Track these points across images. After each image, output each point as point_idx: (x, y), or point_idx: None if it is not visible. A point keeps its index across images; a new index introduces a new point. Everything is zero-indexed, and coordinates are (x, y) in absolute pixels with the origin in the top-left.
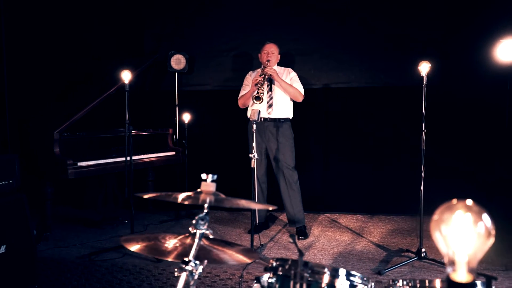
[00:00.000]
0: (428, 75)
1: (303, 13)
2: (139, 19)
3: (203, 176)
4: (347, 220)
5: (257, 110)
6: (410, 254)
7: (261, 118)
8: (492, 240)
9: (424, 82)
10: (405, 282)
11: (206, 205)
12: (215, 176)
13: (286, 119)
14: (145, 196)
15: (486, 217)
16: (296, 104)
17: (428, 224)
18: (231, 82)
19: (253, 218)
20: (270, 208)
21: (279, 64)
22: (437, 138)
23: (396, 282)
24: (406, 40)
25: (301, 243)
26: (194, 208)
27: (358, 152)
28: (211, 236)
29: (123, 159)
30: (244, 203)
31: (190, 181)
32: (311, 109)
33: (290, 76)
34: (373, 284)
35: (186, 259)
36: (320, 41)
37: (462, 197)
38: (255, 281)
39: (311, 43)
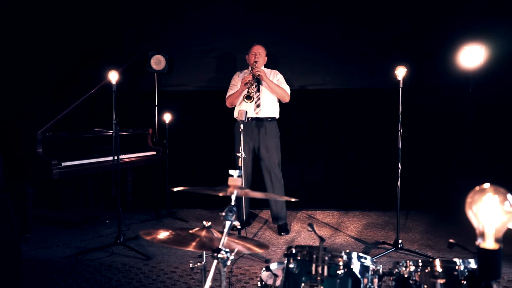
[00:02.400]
0: (404, 78)
1: (281, 16)
2: (118, 19)
3: (230, 171)
4: (323, 216)
5: (244, 110)
6: (387, 246)
7: (248, 118)
8: None
9: (401, 85)
10: (410, 263)
11: (233, 197)
12: (241, 172)
13: (273, 119)
14: (176, 189)
15: (510, 197)
16: None
17: (404, 218)
18: (211, 83)
19: (240, 215)
20: (293, 200)
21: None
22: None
23: (400, 263)
24: (378, 44)
25: (284, 238)
26: (174, 208)
27: (333, 151)
28: (238, 227)
29: (106, 159)
30: (265, 195)
31: (171, 180)
32: (288, 109)
33: (276, 78)
34: (381, 266)
35: (215, 247)
36: (297, 44)
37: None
38: (264, 269)
39: (288, 45)
